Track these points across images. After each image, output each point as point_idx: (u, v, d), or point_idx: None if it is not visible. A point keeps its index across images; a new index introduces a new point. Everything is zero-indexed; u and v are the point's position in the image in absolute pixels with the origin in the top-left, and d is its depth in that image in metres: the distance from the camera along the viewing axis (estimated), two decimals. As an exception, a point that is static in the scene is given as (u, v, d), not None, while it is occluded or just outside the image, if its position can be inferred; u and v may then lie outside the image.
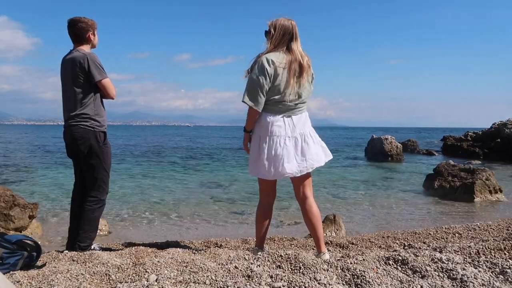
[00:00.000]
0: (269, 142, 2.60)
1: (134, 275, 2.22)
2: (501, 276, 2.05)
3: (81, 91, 3.00)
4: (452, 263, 2.19)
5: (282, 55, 2.59)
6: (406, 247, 3.35)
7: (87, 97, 3.02)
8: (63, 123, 3.16)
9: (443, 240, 3.88)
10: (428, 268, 2.13)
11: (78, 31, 3.06)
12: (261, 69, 2.54)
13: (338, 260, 2.36)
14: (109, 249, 3.25)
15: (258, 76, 2.54)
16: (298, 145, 2.63)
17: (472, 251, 2.61)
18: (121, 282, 2.11)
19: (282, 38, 2.60)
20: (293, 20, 2.66)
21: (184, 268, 2.28)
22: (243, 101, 2.62)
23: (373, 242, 3.78)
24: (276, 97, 2.59)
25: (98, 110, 3.08)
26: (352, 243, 3.66)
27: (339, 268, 2.15)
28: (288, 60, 2.57)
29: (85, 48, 3.06)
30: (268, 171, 2.61)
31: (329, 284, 1.92)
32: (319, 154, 2.70)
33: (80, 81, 2.98)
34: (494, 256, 2.50)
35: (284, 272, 2.10)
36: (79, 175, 3.20)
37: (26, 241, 2.60)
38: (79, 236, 3.05)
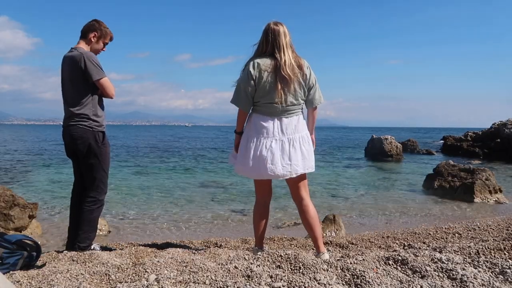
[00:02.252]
0: (256, 142, 2.64)
1: (134, 275, 2.23)
2: (501, 276, 2.05)
3: (79, 90, 3.00)
4: (452, 263, 2.19)
5: (268, 59, 2.62)
6: (406, 247, 3.35)
7: (85, 97, 3.01)
8: (62, 123, 3.15)
9: (443, 240, 3.88)
10: (428, 268, 2.12)
11: (85, 27, 3.10)
12: (246, 72, 2.63)
13: (338, 260, 2.36)
14: (109, 249, 3.24)
15: (243, 79, 2.64)
16: (285, 148, 2.63)
17: (472, 251, 2.61)
18: (120, 282, 2.11)
19: (268, 42, 2.64)
20: (282, 24, 2.67)
21: (184, 268, 2.28)
22: (231, 102, 2.74)
23: (373, 242, 3.78)
24: (264, 99, 2.63)
25: (96, 109, 3.07)
26: (352, 243, 3.66)
27: (339, 268, 2.15)
28: (274, 63, 2.60)
29: (84, 47, 3.06)
30: (252, 170, 2.66)
31: (329, 284, 1.92)
32: (306, 161, 2.69)
33: (77, 80, 2.98)
34: (494, 256, 2.50)
35: (284, 272, 2.10)
36: (78, 175, 3.19)
37: (26, 241, 2.61)
38: (79, 237, 3.05)
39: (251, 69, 2.61)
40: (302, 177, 2.74)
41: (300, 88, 2.67)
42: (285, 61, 2.59)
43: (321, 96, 2.80)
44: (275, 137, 2.63)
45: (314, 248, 2.86)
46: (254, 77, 2.60)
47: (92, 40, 3.11)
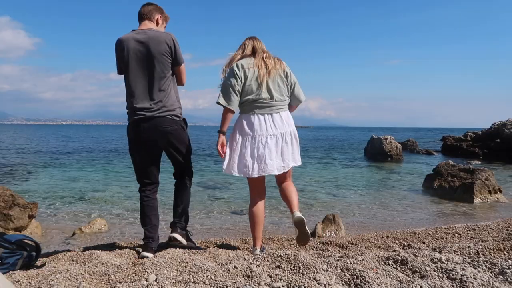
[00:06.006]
0: (251, 140, 2.75)
1: (133, 275, 2.23)
2: (500, 276, 2.05)
3: (165, 76, 2.91)
4: (451, 263, 2.19)
5: (249, 59, 2.84)
6: (405, 247, 3.36)
7: (170, 83, 2.94)
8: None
9: (442, 240, 3.87)
10: (427, 268, 2.13)
11: (148, 8, 2.97)
12: (231, 72, 2.80)
13: (338, 260, 2.36)
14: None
15: (230, 78, 2.79)
16: (278, 143, 2.78)
17: (472, 251, 2.61)
18: (120, 282, 2.11)
19: (246, 46, 2.91)
20: (257, 39, 2.96)
21: (184, 268, 2.29)
22: (217, 102, 2.82)
23: (372, 242, 3.77)
24: (251, 96, 2.76)
25: (178, 96, 3.03)
26: (352, 243, 3.66)
27: (338, 268, 2.14)
28: (256, 62, 2.81)
29: (155, 28, 2.96)
30: (251, 169, 2.75)
31: (329, 284, 1.92)
32: (295, 155, 2.89)
33: (164, 64, 2.86)
34: (494, 256, 2.50)
35: (283, 272, 2.10)
36: (149, 164, 3.16)
37: (26, 241, 2.61)
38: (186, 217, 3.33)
39: (236, 69, 2.78)
40: (290, 169, 2.94)
41: (283, 84, 2.86)
42: (264, 59, 2.82)
43: (303, 93, 3.01)
44: (269, 133, 2.75)
45: (290, 211, 2.98)
46: (240, 77, 2.75)
47: (160, 22, 2.99)
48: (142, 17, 2.95)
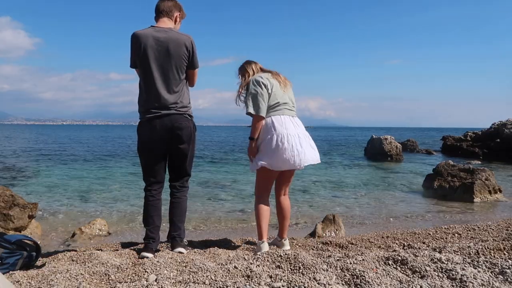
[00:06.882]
0: (287, 137, 2.93)
1: (133, 275, 2.23)
2: (500, 276, 2.05)
3: (180, 77, 2.92)
4: (451, 263, 2.19)
5: (265, 74, 3.11)
6: (405, 247, 3.36)
7: (184, 84, 2.97)
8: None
9: (442, 240, 3.87)
10: (427, 268, 2.13)
11: (168, 4, 2.88)
12: (256, 82, 3.00)
13: (338, 260, 2.36)
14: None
15: (256, 88, 2.98)
16: (306, 140, 3.04)
17: (472, 251, 2.61)
18: (120, 282, 2.11)
19: (255, 69, 3.17)
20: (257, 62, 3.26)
21: (184, 268, 2.29)
22: (247, 113, 2.98)
23: (372, 242, 3.77)
24: (278, 100, 3.01)
25: (190, 97, 3.06)
26: (352, 243, 3.66)
27: (338, 268, 2.14)
28: (273, 76, 3.09)
29: (173, 27, 2.93)
30: (293, 161, 2.93)
31: (329, 284, 1.92)
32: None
33: (181, 65, 2.86)
34: (494, 256, 2.50)
35: (283, 272, 2.10)
36: (159, 166, 3.12)
37: (26, 241, 2.61)
38: (181, 231, 3.22)
39: (260, 79, 2.99)
40: (293, 173, 3.23)
41: (293, 95, 3.17)
42: (275, 71, 3.15)
43: None
44: (297, 131, 3.01)
45: (279, 235, 3.37)
46: (265, 84, 2.98)
47: (178, 20, 2.92)
48: (161, 12, 2.87)
